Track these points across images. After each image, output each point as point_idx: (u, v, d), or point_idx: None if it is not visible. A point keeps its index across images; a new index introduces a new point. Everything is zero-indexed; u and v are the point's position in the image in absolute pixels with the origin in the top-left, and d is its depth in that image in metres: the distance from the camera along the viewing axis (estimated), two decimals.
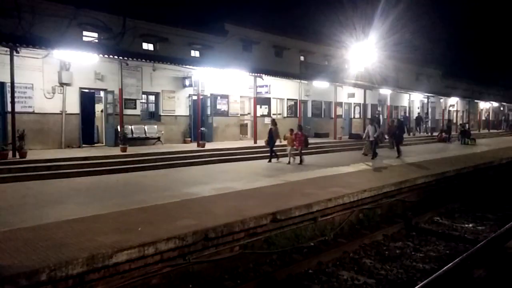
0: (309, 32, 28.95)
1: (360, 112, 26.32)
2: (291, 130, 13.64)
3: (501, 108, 44.69)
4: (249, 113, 20.39)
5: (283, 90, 20.75)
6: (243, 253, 6.29)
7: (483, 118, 41.24)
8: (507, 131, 39.32)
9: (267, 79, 18.11)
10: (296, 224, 7.41)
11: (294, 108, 21.55)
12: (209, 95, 17.92)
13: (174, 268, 5.33)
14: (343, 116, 24.96)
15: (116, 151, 13.46)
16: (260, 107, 19.92)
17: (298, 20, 36.99)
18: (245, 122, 20.80)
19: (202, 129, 16.64)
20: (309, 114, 22.91)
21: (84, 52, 12.68)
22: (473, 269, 4.49)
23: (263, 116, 19.97)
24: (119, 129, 14.22)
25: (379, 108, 27.98)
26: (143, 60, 14.96)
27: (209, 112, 18.03)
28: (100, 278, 4.58)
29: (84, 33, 17.39)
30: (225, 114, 18.84)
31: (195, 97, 16.93)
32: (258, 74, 17.34)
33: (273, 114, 20.68)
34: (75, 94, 14.22)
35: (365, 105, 25.14)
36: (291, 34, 25.28)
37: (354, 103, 25.97)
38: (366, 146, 15.86)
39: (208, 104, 18.06)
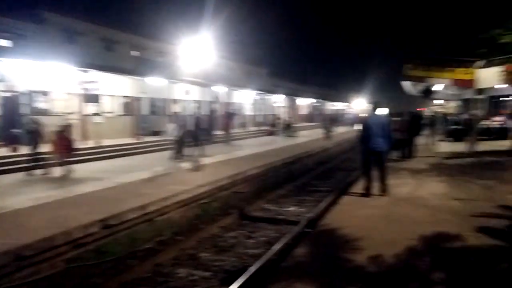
0: (143, 27, 28.03)
1: (197, 109, 26.73)
2: (58, 133, 10.63)
3: (317, 104, 51.81)
4: (76, 112, 18.44)
5: (115, 86, 19.49)
6: (68, 268, 5.64)
7: (303, 113, 47.15)
8: (322, 125, 45.86)
9: (96, 75, 16.71)
10: (131, 228, 7.06)
11: (129, 105, 20.50)
12: (25, 91, 15.49)
13: None
14: (183, 113, 24.97)
15: None
16: (90, 105, 18.26)
17: (130, 13, 35.38)
18: (71, 121, 18.73)
19: (15, 130, 14.26)
20: (145, 112, 22.15)
21: None
22: (295, 248, 5.00)
23: (93, 114, 18.37)
24: None
25: (215, 105, 29.03)
26: None
27: (25, 111, 15.56)
28: None
29: None
30: (45, 113, 16.59)
31: (6, 94, 14.38)
32: (85, 69, 15.83)
33: (105, 112, 19.25)
34: None
35: (201, 102, 25.72)
36: (123, 28, 23.95)
37: (190, 100, 26.27)
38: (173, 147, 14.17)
39: (24, 101, 15.59)
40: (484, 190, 7.70)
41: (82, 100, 16.47)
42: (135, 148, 16.21)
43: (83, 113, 16.45)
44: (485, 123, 19.47)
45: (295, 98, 43.82)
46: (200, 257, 6.57)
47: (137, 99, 20.46)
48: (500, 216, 5.73)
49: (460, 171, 10.07)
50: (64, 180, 9.85)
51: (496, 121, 19.34)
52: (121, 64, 20.39)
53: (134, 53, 24.47)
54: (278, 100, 39.01)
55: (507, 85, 17.61)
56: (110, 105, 19.86)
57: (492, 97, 30.35)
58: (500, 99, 33.16)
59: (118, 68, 18.72)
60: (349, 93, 64.90)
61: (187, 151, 14.46)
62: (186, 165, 12.48)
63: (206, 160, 13.62)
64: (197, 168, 11.92)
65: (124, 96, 20.31)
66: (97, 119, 18.49)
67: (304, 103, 48.29)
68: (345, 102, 63.70)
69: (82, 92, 16.26)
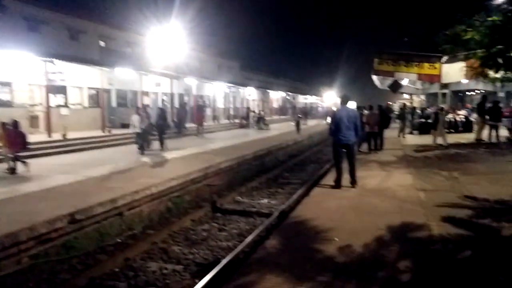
0: (111, 16, 27.21)
1: (169, 101, 26.29)
2: (7, 126, 9.76)
3: (288, 97, 52.14)
4: (41, 104, 17.75)
5: (82, 77, 18.87)
6: (34, 264, 5.46)
7: (275, 106, 47.33)
8: (294, 117, 46.22)
9: (62, 65, 16.11)
10: (100, 222, 6.89)
11: (96, 97, 19.93)
12: None
13: None
14: (150, 106, 24.45)
15: None
16: (55, 97, 17.65)
17: (97, 2, 34.17)
18: (36, 113, 18.03)
19: None
20: (114, 104, 21.60)
21: None
22: (267, 240, 5.03)
23: (59, 106, 17.76)
24: None
25: (186, 98, 28.69)
26: None
27: None
28: None
29: None
30: (8, 104, 15.90)
31: None
32: (49, 59, 15.22)
33: (72, 104, 18.65)
34: None
35: (172, 94, 25.34)
36: (89, 17, 23.12)
37: (161, 93, 25.81)
38: (137, 140, 13.61)
39: None
40: (449, 181, 7.99)
41: (47, 91, 15.85)
42: (103, 141, 15.79)
43: (49, 105, 15.84)
44: (450, 116, 20.22)
45: (267, 91, 43.92)
46: (172, 250, 6.51)
47: (106, 90, 19.91)
48: (463, 206, 5.97)
49: (426, 163, 10.41)
50: (25, 175, 9.47)
51: (461, 114, 20.09)
52: (87, 55, 19.74)
53: (101, 43, 23.72)
54: (250, 93, 38.99)
55: (469, 80, 18.31)
56: (77, 96, 19.23)
57: (457, 91, 31.53)
58: (466, 93, 34.53)
59: (84, 58, 18.15)
60: (320, 86, 65.69)
61: (152, 144, 14.19)
62: (152, 158, 12.29)
63: (177, 153, 13.46)
64: (163, 161, 11.73)
65: (92, 88, 19.71)
66: (64, 111, 17.88)
67: (276, 96, 48.49)
68: (316, 95, 64.46)
69: (47, 83, 15.64)
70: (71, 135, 15.07)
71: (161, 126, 14.63)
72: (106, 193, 7.43)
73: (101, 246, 6.60)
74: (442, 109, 15.15)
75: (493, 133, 13.79)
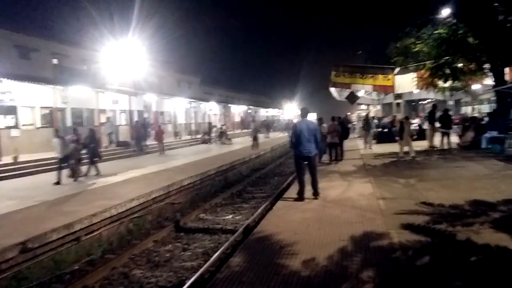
0: (64, 32, 26.38)
1: (126, 119, 25.68)
2: None
3: (249, 111, 52.44)
4: None
5: (34, 97, 18.06)
6: None
7: (237, 120, 47.42)
8: (252, 132, 46.42)
9: (10, 84, 15.36)
10: (55, 249, 6.53)
11: (50, 117, 19.11)
12: None
13: None
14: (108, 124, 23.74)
15: None
16: (5, 118, 16.77)
17: (49, 19, 33.07)
18: None
19: None
20: (69, 123, 20.77)
21: None
22: (231, 257, 4.94)
23: (8, 127, 16.86)
24: None
25: (146, 114, 28.14)
26: None
27: None
28: None
29: None
30: None
31: None
32: None
33: (23, 125, 17.76)
34: None
35: (131, 112, 24.77)
36: (40, 34, 22.25)
37: (119, 110, 25.16)
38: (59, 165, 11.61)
39: None
40: (406, 188, 8.26)
41: None
42: None
43: None
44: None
45: (228, 105, 43.99)
46: (133, 275, 6.26)
47: (60, 109, 19.16)
48: (421, 213, 6.16)
49: (384, 172, 10.72)
50: None
51: (414, 123, 20.95)
52: (40, 73, 18.94)
53: (54, 61, 22.86)
54: (212, 108, 38.88)
55: (420, 90, 19.20)
56: (29, 117, 18.36)
57: (411, 101, 32.98)
58: (419, 102, 36.19)
59: (35, 77, 17.37)
60: (281, 99, 66.72)
61: (82, 167, 12.55)
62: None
63: (138, 172, 13.09)
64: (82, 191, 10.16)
65: (45, 107, 18.91)
66: (14, 132, 16.99)
67: (238, 110, 48.66)
68: (278, 108, 65.33)
69: None
70: (23, 157, 14.32)
71: (93, 149, 13.09)
72: (60, 218, 7.06)
73: (57, 275, 6.24)
74: (407, 117, 15.04)
75: (445, 140, 14.45)
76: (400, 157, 13.02)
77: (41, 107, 18.82)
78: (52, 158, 15.54)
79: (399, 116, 24.68)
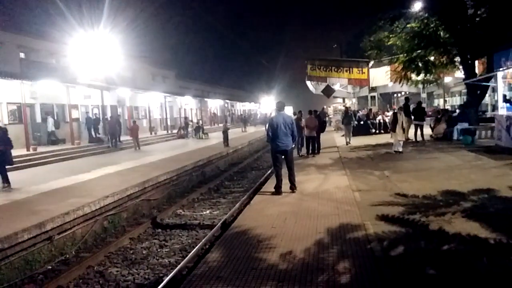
0: (31, 25, 25.40)
1: (97, 114, 24.97)
2: None
3: (226, 105, 52.22)
4: None
5: (0, 92, 17.37)
6: None
7: (213, 113, 47.11)
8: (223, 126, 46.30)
9: None
10: (27, 249, 6.31)
11: (18, 113, 18.42)
12: None
13: None
14: (80, 120, 23.12)
15: None
16: None
17: (15, 11, 31.70)
18: None
19: None
20: (38, 119, 20.09)
21: None
22: (208, 253, 4.89)
23: None
24: None
25: (120, 109, 27.55)
26: None
27: None
28: None
29: None
30: None
31: None
32: None
33: None
34: None
35: (103, 107, 24.16)
36: (4, 27, 21.32)
37: (91, 105, 24.50)
38: None
39: None
40: (381, 180, 8.40)
41: None
42: (28, 160, 14.58)
43: None
44: (379, 118, 21.42)
45: (205, 99, 43.61)
46: (109, 273, 6.13)
47: (28, 105, 18.49)
48: (395, 204, 6.28)
49: (360, 164, 10.88)
50: None
51: (389, 116, 21.34)
52: (5, 67, 18.17)
53: (21, 54, 22.01)
54: (188, 102, 38.45)
55: (394, 83, 19.54)
56: None
57: (385, 94, 33.56)
58: (393, 95, 36.89)
59: (1, 72, 16.63)
60: (258, 93, 66.76)
61: None
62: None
63: (112, 169, 12.80)
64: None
65: (12, 103, 18.20)
66: None
67: (215, 104, 48.33)
68: (255, 102, 65.31)
69: None
70: None
71: (3, 155, 9.93)
72: (31, 218, 6.83)
73: (30, 275, 6.05)
74: (400, 108, 13.70)
75: (418, 132, 14.79)
76: (395, 150, 12.15)
77: (8, 103, 18.11)
78: (22, 155, 15.08)
79: (375, 109, 25.02)
